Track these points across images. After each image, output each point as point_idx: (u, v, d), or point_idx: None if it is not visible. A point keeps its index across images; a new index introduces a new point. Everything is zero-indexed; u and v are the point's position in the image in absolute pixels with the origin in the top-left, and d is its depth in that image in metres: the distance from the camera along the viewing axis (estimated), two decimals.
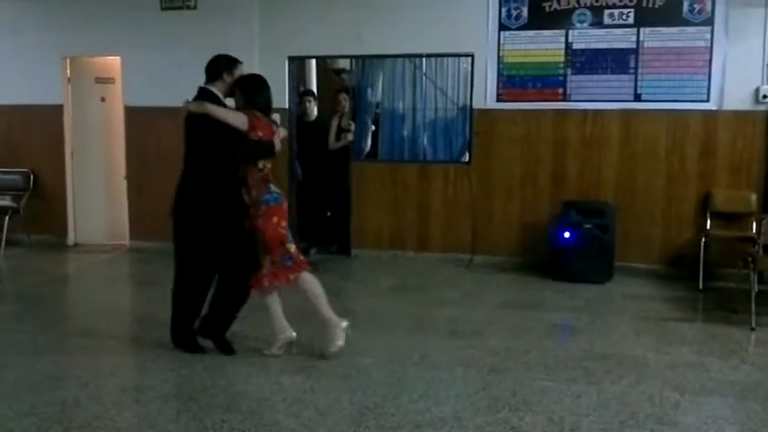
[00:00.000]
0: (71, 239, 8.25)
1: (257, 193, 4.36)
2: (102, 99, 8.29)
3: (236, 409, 3.73)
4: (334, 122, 7.88)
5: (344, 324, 4.44)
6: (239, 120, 4.32)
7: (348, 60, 8.25)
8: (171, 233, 4.48)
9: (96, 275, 7.32)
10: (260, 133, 4.38)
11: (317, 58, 8.62)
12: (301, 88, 8.40)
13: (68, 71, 8.10)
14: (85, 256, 7.88)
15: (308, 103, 8.02)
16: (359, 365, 4.39)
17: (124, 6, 7.76)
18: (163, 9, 7.71)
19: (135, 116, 7.81)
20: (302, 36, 7.51)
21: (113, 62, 8.00)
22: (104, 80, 8.24)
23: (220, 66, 4.49)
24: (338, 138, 7.83)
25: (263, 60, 7.60)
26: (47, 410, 3.68)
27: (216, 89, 4.47)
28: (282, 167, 7.73)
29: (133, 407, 3.87)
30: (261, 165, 4.39)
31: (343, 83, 8.49)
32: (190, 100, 4.43)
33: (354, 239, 7.60)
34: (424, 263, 7.30)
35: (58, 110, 8.08)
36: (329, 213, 8.00)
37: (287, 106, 7.67)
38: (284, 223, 4.43)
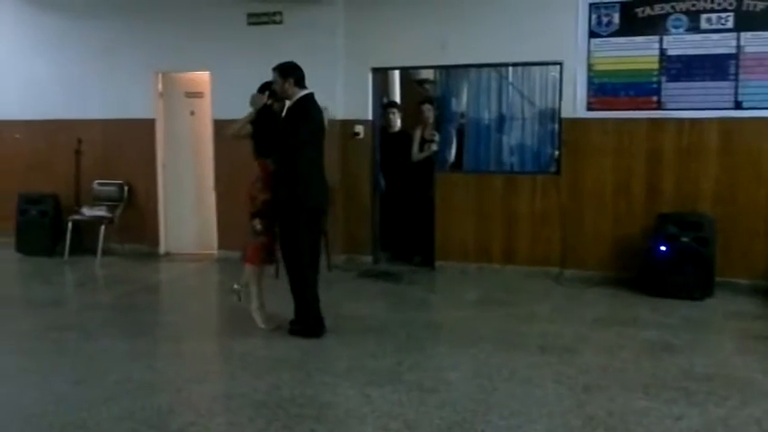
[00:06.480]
0: (162, 249, 8.47)
1: None
2: (192, 113, 8.50)
3: (325, 419, 3.71)
4: (418, 133, 7.83)
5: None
6: None
7: (432, 71, 8.19)
8: None
9: (187, 284, 7.49)
10: None
11: (400, 68, 8.60)
12: (385, 100, 8.39)
13: (160, 86, 8.35)
14: (176, 265, 8.07)
15: (391, 115, 8.02)
16: (446, 379, 4.31)
17: (212, 23, 7.95)
18: (249, 24, 7.85)
19: (224, 129, 7.96)
20: (386, 47, 7.51)
21: (202, 77, 8.21)
22: (194, 94, 8.46)
23: None
24: (422, 149, 7.78)
25: (348, 72, 7.66)
26: (143, 416, 3.77)
27: None
28: (366, 179, 7.77)
29: (225, 414, 3.90)
30: None
31: (426, 93, 8.43)
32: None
33: (439, 251, 7.50)
34: (510, 276, 7.11)
35: (150, 123, 8.33)
36: (413, 225, 7.91)
37: (370, 118, 7.71)
38: None
